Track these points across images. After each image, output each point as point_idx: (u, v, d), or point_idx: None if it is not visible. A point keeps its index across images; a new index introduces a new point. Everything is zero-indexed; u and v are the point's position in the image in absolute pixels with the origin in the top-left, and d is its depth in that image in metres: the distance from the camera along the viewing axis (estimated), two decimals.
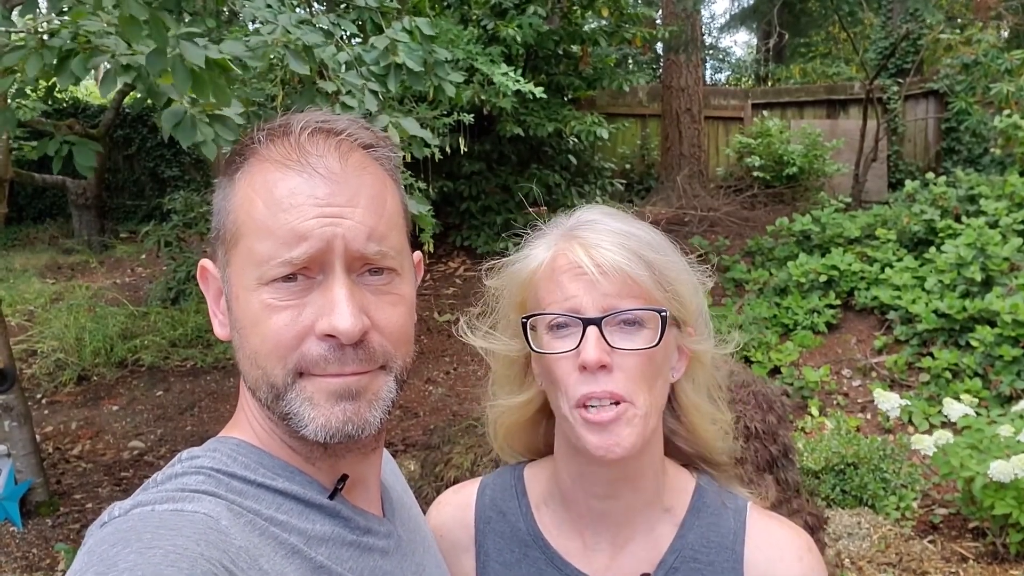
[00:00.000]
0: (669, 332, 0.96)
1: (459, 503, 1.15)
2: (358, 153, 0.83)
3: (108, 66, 2.66)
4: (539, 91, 6.79)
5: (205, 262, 0.88)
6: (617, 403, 0.93)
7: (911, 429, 5.23)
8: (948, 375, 5.59)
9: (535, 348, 0.98)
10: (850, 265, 6.73)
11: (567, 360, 0.95)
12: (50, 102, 10.31)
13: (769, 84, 16.52)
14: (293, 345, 0.78)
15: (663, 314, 0.95)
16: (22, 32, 2.84)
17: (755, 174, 10.51)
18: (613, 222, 1.00)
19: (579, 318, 0.94)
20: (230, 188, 0.83)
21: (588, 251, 0.95)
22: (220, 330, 0.86)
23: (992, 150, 9.99)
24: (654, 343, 0.94)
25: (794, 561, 1.00)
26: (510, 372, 1.09)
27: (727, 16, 21.95)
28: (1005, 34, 8.94)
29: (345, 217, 0.78)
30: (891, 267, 6.66)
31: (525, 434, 1.13)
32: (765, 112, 11.66)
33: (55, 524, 4.58)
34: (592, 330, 0.93)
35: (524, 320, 0.98)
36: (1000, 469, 3.60)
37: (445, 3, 8.38)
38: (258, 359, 0.79)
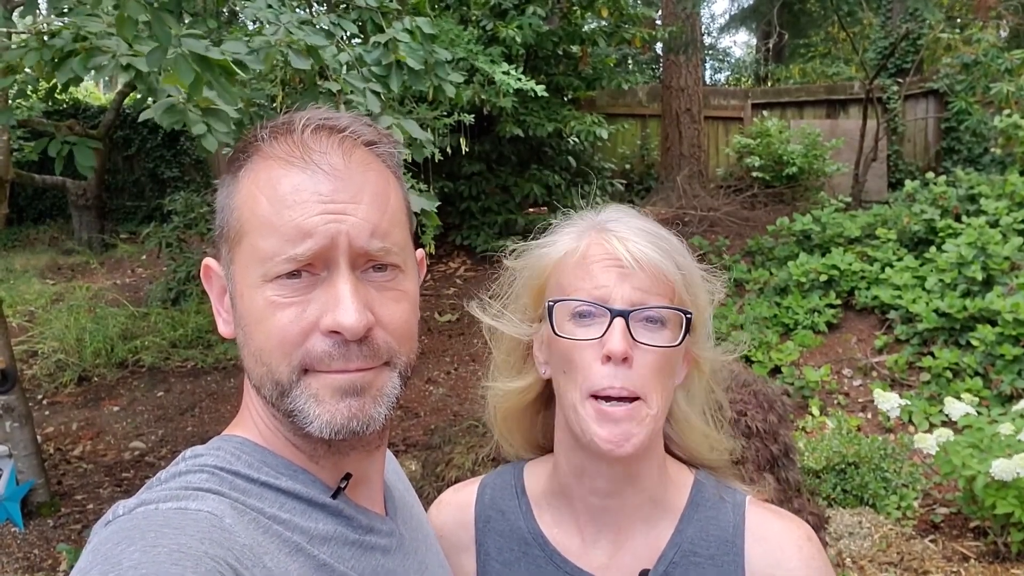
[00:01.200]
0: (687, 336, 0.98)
1: (459, 503, 1.15)
2: (361, 150, 0.83)
3: (106, 63, 2.65)
4: (540, 89, 6.79)
5: (208, 260, 0.88)
6: (631, 400, 0.94)
7: (912, 429, 5.23)
8: (949, 374, 5.59)
9: (557, 333, 0.98)
10: (850, 265, 6.73)
11: (589, 349, 0.95)
12: (50, 103, 10.32)
13: (769, 84, 16.52)
14: (298, 342, 0.78)
15: (688, 316, 0.96)
16: (23, 33, 2.84)
17: (755, 174, 10.50)
18: (642, 222, 1.01)
19: (607, 308, 0.94)
20: (234, 186, 0.83)
21: (624, 244, 0.97)
22: (224, 328, 0.86)
23: (992, 149, 9.99)
24: (676, 343, 0.96)
25: (794, 551, 1.00)
26: (511, 358, 1.09)
27: (727, 16, 21.98)
28: (1005, 33, 8.95)
29: (349, 214, 0.78)
30: (891, 267, 6.66)
31: (522, 424, 1.13)
32: (765, 112, 11.65)
33: (56, 525, 4.58)
34: (619, 321, 0.94)
35: (550, 304, 0.99)
36: (1002, 468, 3.60)
37: (444, 3, 8.38)
38: (263, 356, 0.79)
